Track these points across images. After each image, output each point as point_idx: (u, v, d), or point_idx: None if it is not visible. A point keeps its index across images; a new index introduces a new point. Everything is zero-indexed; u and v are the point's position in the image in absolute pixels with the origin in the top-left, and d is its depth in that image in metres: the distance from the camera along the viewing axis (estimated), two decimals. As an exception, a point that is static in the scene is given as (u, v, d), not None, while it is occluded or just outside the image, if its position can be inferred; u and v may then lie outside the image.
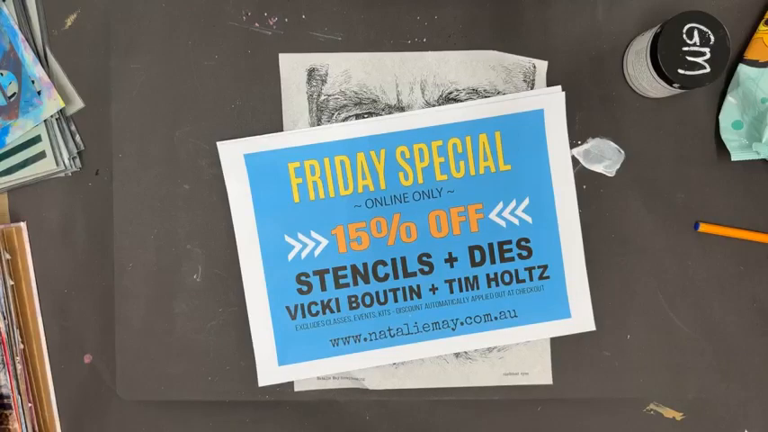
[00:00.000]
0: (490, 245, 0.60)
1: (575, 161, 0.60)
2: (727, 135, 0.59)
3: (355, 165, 0.59)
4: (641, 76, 0.57)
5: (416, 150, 0.60)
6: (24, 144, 0.60)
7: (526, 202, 0.60)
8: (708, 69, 0.54)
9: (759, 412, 0.61)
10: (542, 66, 0.60)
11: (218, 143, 0.59)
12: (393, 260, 0.60)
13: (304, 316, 0.60)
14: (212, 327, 0.61)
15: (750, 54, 0.59)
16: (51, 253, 0.61)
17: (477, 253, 0.60)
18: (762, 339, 0.61)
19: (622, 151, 0.60)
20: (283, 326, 0.60)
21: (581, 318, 0.60)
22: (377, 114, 0.60)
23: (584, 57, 0.60)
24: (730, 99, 0.59)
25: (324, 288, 0.60)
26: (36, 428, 0.61)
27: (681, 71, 0.54)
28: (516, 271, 0.60)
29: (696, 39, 0.54)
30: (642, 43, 0.57)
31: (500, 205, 0.60)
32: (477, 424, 0.62)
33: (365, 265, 0.60)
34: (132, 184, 0.61)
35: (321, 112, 0.60)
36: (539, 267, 0.60)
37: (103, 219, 0.61)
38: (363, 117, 0.60)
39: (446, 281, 0.60)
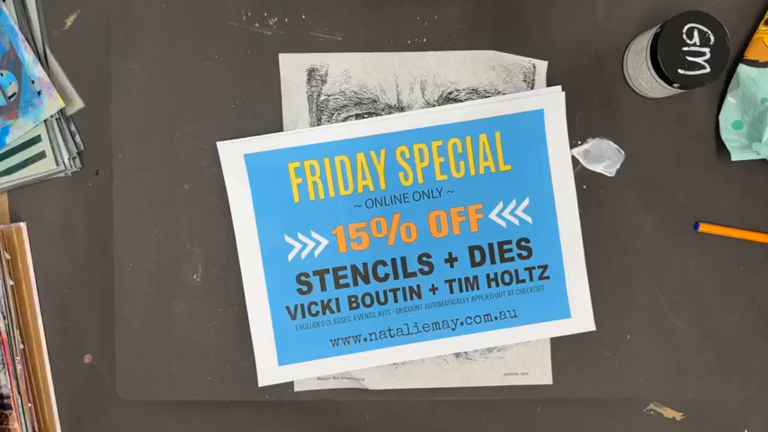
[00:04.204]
0: (490, 245, 0.60)
1: (575, 161, 0.60)
2: (727, 135, 0.59)
3: (355, 165, 0.59)
4: (641, 76, 0.57)
5: (416, 150, 0.60)
6: (24, 144, 0.60)
7: (526, 202, 0.60)
8: (708, 69, 0.54)
9: (759, 412, 0.61)
10: (542, 66, 0.60)
11: (218, 143, 0.59)
12: (393, 260, 0.60)
13: (304, 316, 0.60)
14: (212, 327, 0.61)
15: (750, 54, 0.59)
16: (51, 253, 0.61)
17: (477, 253, 0.60)
18: (762, 339, 0.61)
19: (622, 151, 0.60)
20: (283, 326, 0.60)
21: (581, 318, 0.60)
22: (377, 114, 0.60)
23: (584, 57, 0.60)
24: (730, 99, 0.59)
25: (324, 288, 0.60)
26: (36, 428, 0.61)
27: (681, 71, 0.54)
28: (516, 271, 0.60)
29: (696, 39, 0.54)
30: (642, 43, 0.57)
31: (500, 205, 0.60)
32: (477, 424, 0.62)
33: (365, 265, 0.60)
34: (132, 184, 0.61)
35: (321, 112, 0.60)
36: (539, 267, 0.60)
37: (103, 219, 0.61)
38: (363, 117, 0.60)
39: (446, 281, 0.60)
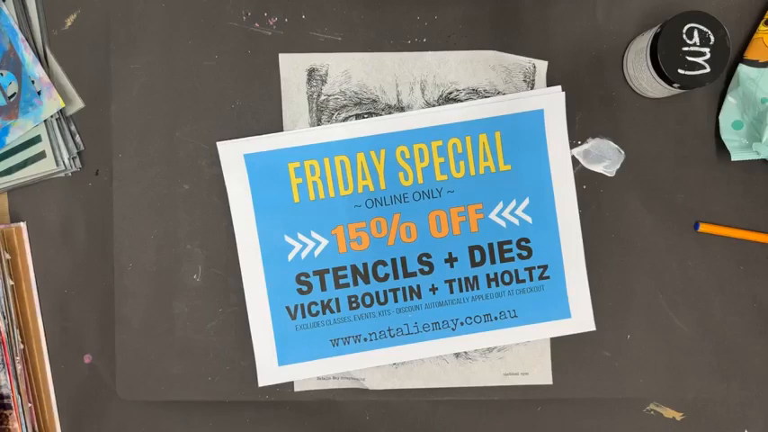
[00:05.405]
0: (490, 245, 0.60)
1: (575, 161, 0.60)
2: (727, 135, 0.59)
3: (355, 165, 0.59)
4: (641, 76, 0.57)
5: (416, 150, 0.60)
6: (24, 144, 0.60)
7: (526, 202, 0.60)
8: (708, 69, 0.54)
9: (759, 412, 0.61)
10: (542, 66, 0.60)
11: (218, 143, 0.59)
12: (393, 260, 0.60)
13: (304, 316, 0.60)
14: (212, 327, 0.61)
15: (750, 54, 0.59)
16: (51, 253, 0.61)
17: (477, 253, 0.60)
18: (762, 339, 0.61)
19: (622, 151, 0.60)
20: (283, 326, 0.60)
21: (581, 318, 0.60)
22: (377, 114, 0.60)
23: (584, 57, 0.60)
24: (730, 99, 0.59)
25: (324, 288, 0.60)
26: (36, 428, 0.61)
27: (681, 71, 0.54)
28: (516, 271, 0.60)
29: (696, 39, 0.54)
30: (642, 43, 0.57)
31: (500, 205, 0.60)
32: (477, 424, 0.62)
33: (365, 265, 0.60)
34: (132, 184, 0.61)
35: (321, 112, 0.60)
36: (539, 267, 0.60)
37: (103, 219, 0.61)
38: (363, 117, 0.60)
39: (446, 281, 0.60)
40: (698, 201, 0.61)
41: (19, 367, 0.60)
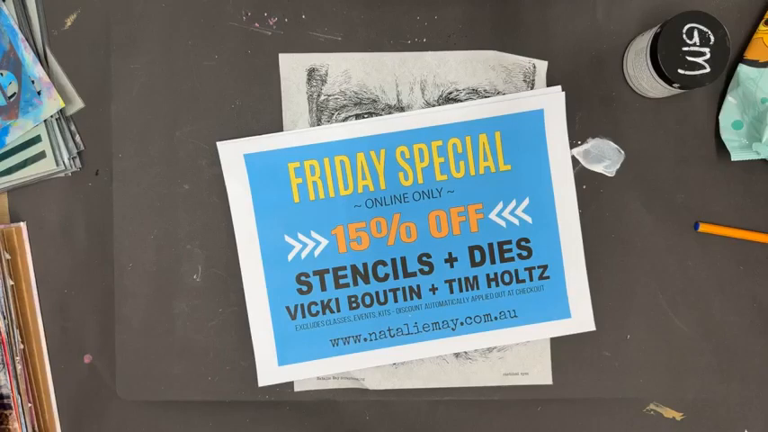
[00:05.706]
0: (490, 245, 0.60)
1: (575, 161, 0.60)
2: (727, 135, 0.59)
3: (355, 165, 0.59)
4: (641, 76, 0.57)
5: (416, 150, 0.60)
6: (24, 144, 0.60)
7: (526, 202, 0.60)
8: (708, 69, 0.54)
9: (759, 412, 0.61)
10: (542, 66, 0.60)
11: (218, 143, 0.59)
12: (393, 260, 0.60)
13: (304, 316, 0.60)
14: (212, 327, 0.61)
15: (750, 54, 0.59)
16: (51, 253, 0.61)
17: (477, 253, 0.60)
18: (762, 339, 0.61)
19: (622, 151, 0.60)
20: (283, 326, 0.60)
21: (581, 318, 0.60)
22: (377, 114, 0.60)
23: (584, 57, 0.60)
24: (730, 99, 0.59)
25: (324, 288, 0.60)
26: (36, 428, 0.61)
27: (681, 71, 0.54)
28: (516, 271, 0.60)
29: (696, 39, 0.54)
30: (642, 43, 0.57)
31: (500, 205, 0.60)
32: (477, 424, 0.62)
33: (365, 265, 0.60)
34: (132, 184, 0.61)
35: (321, 112, 0.60)
36: (539, 267, 0.60)
37: (103, 219, 0.61)
38: (363, 117, 0.60)
39: (446, 281, 0.60)
40: (698, 201, 0.61)
41: (19, 367, 0.60)
